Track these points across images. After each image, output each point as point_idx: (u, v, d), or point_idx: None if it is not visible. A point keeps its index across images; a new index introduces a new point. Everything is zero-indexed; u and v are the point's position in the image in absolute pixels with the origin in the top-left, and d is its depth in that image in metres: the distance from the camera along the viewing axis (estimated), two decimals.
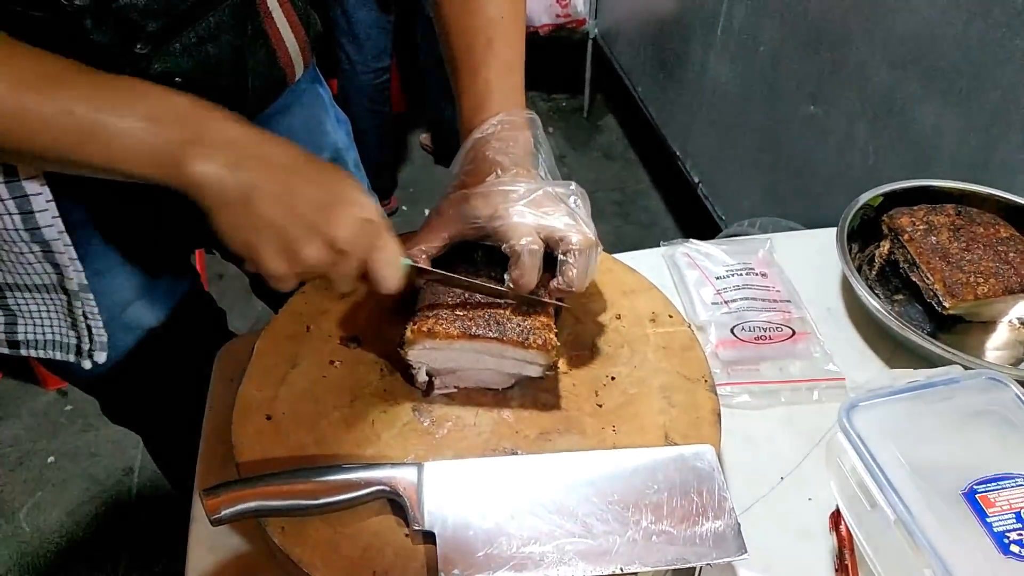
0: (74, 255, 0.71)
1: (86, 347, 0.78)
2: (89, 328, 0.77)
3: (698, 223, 2.22)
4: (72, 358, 0.79)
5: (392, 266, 0.58)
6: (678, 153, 2.18)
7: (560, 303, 0.67)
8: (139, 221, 0.83)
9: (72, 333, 0.77)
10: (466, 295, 0.65)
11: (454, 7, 0.73)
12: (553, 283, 0.63)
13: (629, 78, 2.55)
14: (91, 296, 0.75)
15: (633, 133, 2.92)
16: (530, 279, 0.62)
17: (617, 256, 0.90)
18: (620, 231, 2.49)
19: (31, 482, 1.82)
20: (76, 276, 0.72)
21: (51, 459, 1.87)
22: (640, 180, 2.73)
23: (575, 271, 0.62)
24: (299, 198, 0.54)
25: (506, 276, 0.63)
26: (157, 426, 1.14)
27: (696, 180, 2.09)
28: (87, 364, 0.79)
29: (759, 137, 1.74)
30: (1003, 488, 0.55)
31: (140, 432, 1.23)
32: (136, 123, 0.53)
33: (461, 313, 0.63)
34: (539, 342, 0.62)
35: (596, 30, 2.76)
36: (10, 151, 0.56)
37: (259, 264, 0.55)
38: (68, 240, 0.70)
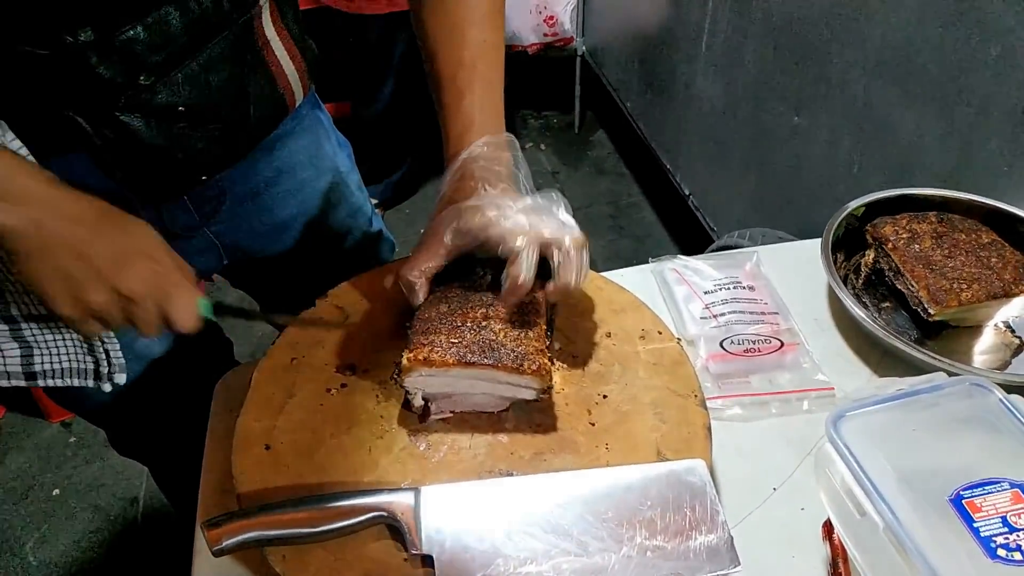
0: None
1: (104, 370, 0.81)
2: (107, 352, 0.80)
3: (691, 235, 2.24)
4: (91, 383, 0.81)
5: (184, 310, 0.63)
6: (668, 166, 2.20)
7: (551, 318, 0.69)
8: None
9: (90, 358, 0.80)
10: (458, 320, 0.67)
11: (439, 30, 0.77)
12: (550, 285, 0.67)
13: (618, 94, 2.58)
14: None
15: (624, 147, 2.94)
16: (528, 277, 0.65)
17: (606, 274, 0.92)
18: (614, 245, 2.51)
19: (37, 515, 1.82)
20: None
21: (56, 491, 1.88)
22: (633, 194, 2.75)
23: (572, 272, 0.65)
24: (91, 250, 0.59)
25: (502, 277, 0.65)
26: (165, 456, 1.15)
27: (687, 192, 2.11)
28: (107, 387, 0.81)
29: (746, 149, 1.76)
30: (989, 493, 0.56)
31: (147, 463, 1.23)
32: None
33: (456, 340, 0.65)
34: (533, 367, 0.63)
35: (584, 47, 2.79)
36: None
37: (50, 307, 0.61)
38: None
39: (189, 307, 0.64)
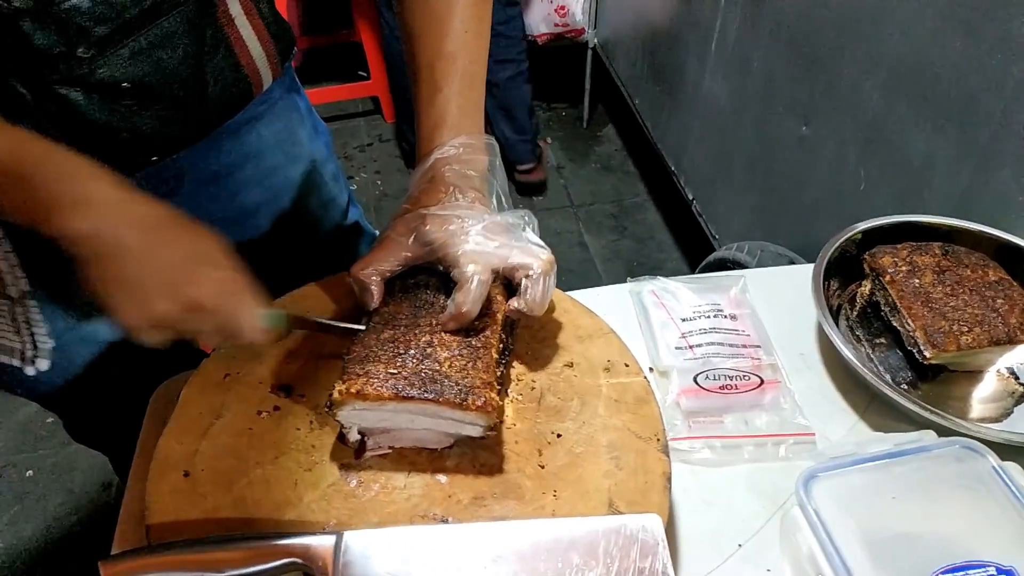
0: (14, 261, 0.70)
1: (29, 353, 0.77)
2: (32, 334, 0.76)
3: (693, 240, 2.17)
4: (16, 362, 0.78)
5: (249, 321, 0.58)
6: (673, 169, 2.12)
7: (509, 344, 0.66)
8: None
9: (16, 338, 0.77)
10: (401, 346, 0.61)
11: (418, 18, 0.72)
12: (512, 303, 0.64)
13: (627, 89, 2.50)
14: (34, 303, 0.74)
15: (632, 145, 2.86)
16: (473, 309, 0.62)
17: (582, 292, 0.86)
18: (616, 245, 2.44)
19: (8, 497, 1.79)
20: (16, 283, 0.72)
21: (29, 473, 1.85)
22: (638, 193, 2.67)
23: (537, 297, 0.63)
24: (158, 256, 0.56)
25: (449, 302, 0.62)
26: (122, 446, 1.11)
27: (690, 197, 2.03)
28: (30, 371, 0.78)
29: (751, 157, 1.69)
30: None
31: (105, 452, 1.20)
32: (9, 178, 0.54)
33: (395, 371, 0.59)
34: (479, 403, 0.57)
35: (595, 40, 2.71)
36: None
37: (114, 315, 0.57)
38: (8, 246, 0.69)
39: (253, 318, 0.59)
